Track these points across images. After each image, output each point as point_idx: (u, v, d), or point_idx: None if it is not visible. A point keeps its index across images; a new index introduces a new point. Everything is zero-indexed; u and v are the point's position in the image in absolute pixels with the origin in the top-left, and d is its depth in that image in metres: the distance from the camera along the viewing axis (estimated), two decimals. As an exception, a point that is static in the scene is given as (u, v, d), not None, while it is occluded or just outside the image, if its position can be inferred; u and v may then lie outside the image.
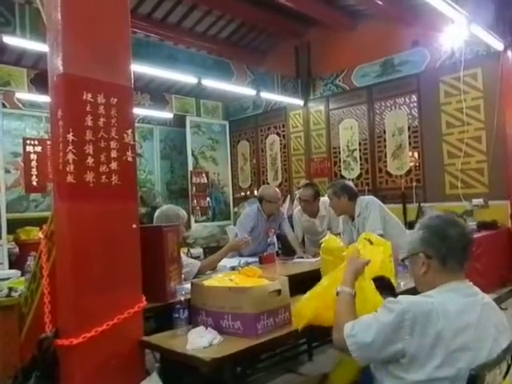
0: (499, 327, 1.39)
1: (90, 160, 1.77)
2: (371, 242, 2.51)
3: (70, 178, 1.72)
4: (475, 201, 5.35)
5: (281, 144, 7.93)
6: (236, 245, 3.32)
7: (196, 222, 7.86)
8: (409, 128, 6.18)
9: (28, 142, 6.57)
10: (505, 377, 1.42)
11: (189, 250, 6.55)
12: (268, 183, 7.89)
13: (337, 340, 1.49)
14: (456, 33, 4.68)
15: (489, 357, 1.30)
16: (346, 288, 1.58)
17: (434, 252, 1.41)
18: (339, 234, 3.72)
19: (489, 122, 5.36)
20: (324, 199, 3.91)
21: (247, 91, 6.65)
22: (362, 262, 1.70)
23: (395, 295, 1.48)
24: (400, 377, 1.34)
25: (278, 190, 3.94)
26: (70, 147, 1.72)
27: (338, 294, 1.59)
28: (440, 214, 1.60)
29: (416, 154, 6.16)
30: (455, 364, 1.27)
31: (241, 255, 3.62)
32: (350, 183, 3.48)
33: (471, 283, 1.44)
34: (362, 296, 1.65)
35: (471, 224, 4.74)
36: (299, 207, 3.96)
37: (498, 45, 5.08)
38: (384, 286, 1.75)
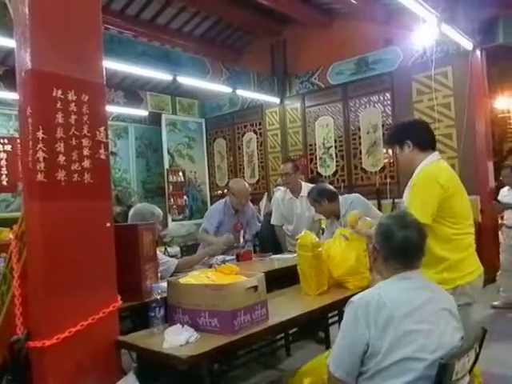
0: (452, 310, 1.48)
1: (61, 158, 1.74)
2: (347, 238, 2.57)
3: (40, 177, 1.68)
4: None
5: (257, 142, 7.94)
6: (217, 249, 3.33)
7: (173, 220, 7.80)
8: (383, 125, 6.28)
9: (-3, 140, 6.37)
10: (473, 364, 1.47)
11: (166, 249, 6.50)
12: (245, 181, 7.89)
13: (331, 378, 1.46)
14: (427, 32, 4.78)
15: (441, 338, 1.37)
16: None
17: (380, 248, 1.57)
18: (319, 220, 3.79)
19: (459, 119, 5.50)
20: (308, 184, 4.02)
21: (223, 89, 6.63)
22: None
23: None
24: (365, 372, 1.38)
25: (248, 187, 3.80)
26: (40, 145, 1.68)
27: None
28: (398, 213, 1.75)
29: (390, 151, 6.27)
30: (407, 345, 1.33)
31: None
32: (325, 185, 3.54)
33: (421, 274, 1.54)
34: None
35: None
36: (283, 189, 4.02)
37: (467, 44, 5.22)
38: None
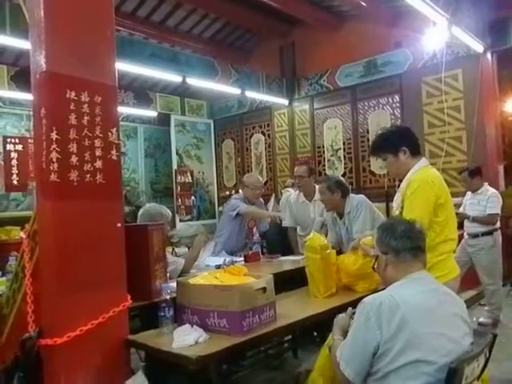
0: (462, 315, 1.48)
1: (74, 159, 1.76)
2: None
3: (53, 177, 1.71)
4: (456, 199, 5.43)
5: (266, 143, 7.95)
6: (201, 239, 3.29)
7: (181, 221, 7.83)
8: (392, 128, 6.26)
9: (8, 140, 6.44)
10: (483, 370, 1.47)
11: (173, 249, 6.52)
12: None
13: (340, 377, 1.47)
14: (437, 35, 4.77)
15: (452, 343, 1.37)
16: (336, 337, 1.66)
17: (387, 247, 1.57)
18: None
19: (469, 122, 5.47)
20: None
21: (232, 90, 6.65)
22: (346, 320, 1.73)
23: None
24: (375, 372, 1.39)
25: (261, 180, 4.05)
26: (54, 146, 1.71)
27: (330, 346, 1.65)
28: (393, 217, 1.83)
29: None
30: (419, 348, 1.33)
31: (229, 252, 3.66)
32: (343, 180, 3.47)
33: (430, 276, 1.58)
34: None
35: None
36: (293, 192, 4.01)
37: (477, 47, 5.19)
38: None
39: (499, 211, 4.05)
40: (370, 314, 1.39)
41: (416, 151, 2.21)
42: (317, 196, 3.73)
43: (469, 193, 4.23)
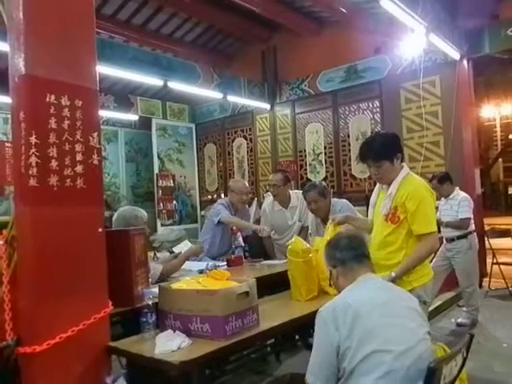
0: (417, 309, 1.58)
1: (53, 163, 1.73)
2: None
3: (32, 182, 1.68)
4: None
5: (248, 147, 7.98)
6: (196, 249, 3.30)
7: (162, 225, 7.77)
8: (372, 132, 6.35)
9: (-16, 143, 6.30)
10: (461, 369, 1.50)
11: (155, 254, 6.46)
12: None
13: None
14: (415, 41, 4.88)
15: (406, 331, 1.45)
16: None
17: (334, 260, 1.74)
18: (308, 227, 3.78)
19: (446, 127, 5.60)
20: (296, 191, 3.98)
21: (214, 94, 6.66)
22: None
23: None
24: (342, 376, 1.42)
25: (247, 184, 4.01)
26: (33, 150, 1.68)
27: None
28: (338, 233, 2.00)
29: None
30: (374, 339, 1.39)
31: (212, 258, 3.64)
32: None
33: (377, 277, 1.72)
34: None
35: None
36: (271, 199, 3.92)
37: (454, 54, 5.33)
38: None
39: (471, 215, 4.13)
40: (327, 319, 1.47)
41: (403, 157, 2.33)
42: (293, 202, 3.75)
43: (443, 198, 4.30)
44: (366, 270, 1.68)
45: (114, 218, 2.87)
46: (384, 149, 2.27)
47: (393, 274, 2.11)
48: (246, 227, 3.82)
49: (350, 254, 1.70)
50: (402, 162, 2.30)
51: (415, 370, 1.36)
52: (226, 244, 3.79)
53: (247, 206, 4.15)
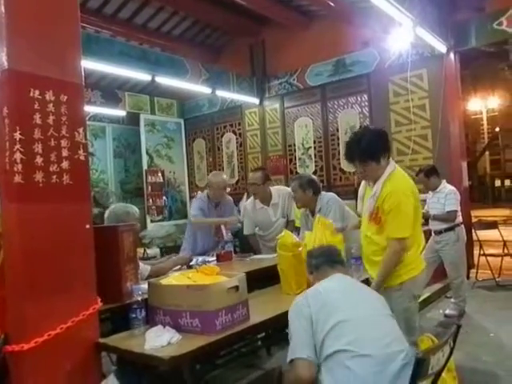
0: (381, 299, 1.78)
1: (39, 159, 1.71)
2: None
3: (17, 178, 1.65)
4: (422, 196, 5.59)
5: (237, 142, 7.96)
6: (183, 258, 3.26)
7: (152, 221, 7.74)
8: (360, 126, 6.35)
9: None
10: (448, 359, 1.52)
11: (145, 250, 6.45)
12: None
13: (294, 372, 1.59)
14: (403, 35, 4.89)
15: (369, 307, 1.69)
16: None
17: (311, 267, 1.97)
18: (293, 220, 3.78)
19: (434, 120, 5.64)
20: (278, 187, 3.95)
21: (202, 89, 6.62)
22: None
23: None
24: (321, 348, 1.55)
25: (224, 180, 3.86)
26: (18, 146, 1.66)
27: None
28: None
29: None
30: (340, 312, 1.60)
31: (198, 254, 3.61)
32: (315, 178, 3.48)
33: (348, 276, 1.90)
34: None
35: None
36: (251, 198, 3.85)
37: (441, 47, 5.36)
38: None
39: (457, 208, 4.16)
40: (300, 304, 1.67)
41: (389, 154, 2.27)
42: (274, 199, 3.71)
43: (430, 191, 4.33)
44: (339, 272, 1.88)
45: (105, 215, 2.84)
46: (370, 149, 2.21)
47: (373, 285, 2.14)
48: (214, 223, 3.74)
49: (323, 259, 1.93)
50: (388, 158, 2.25)
51: (375, 330, 1.58)
52: (208, 241, 3.77)
53: (230, 197, 4.05)
